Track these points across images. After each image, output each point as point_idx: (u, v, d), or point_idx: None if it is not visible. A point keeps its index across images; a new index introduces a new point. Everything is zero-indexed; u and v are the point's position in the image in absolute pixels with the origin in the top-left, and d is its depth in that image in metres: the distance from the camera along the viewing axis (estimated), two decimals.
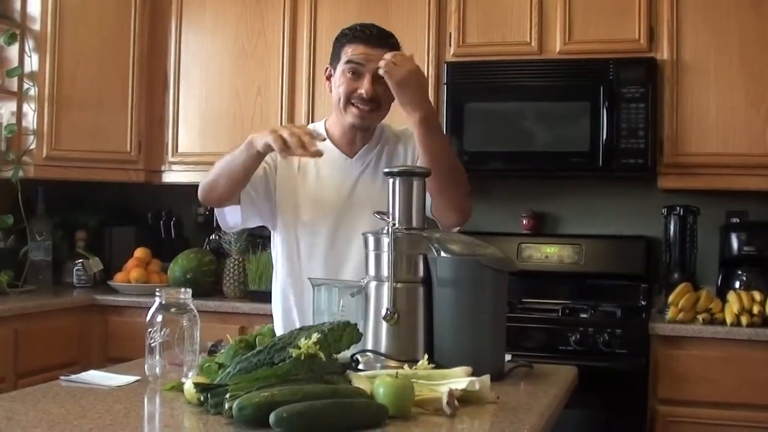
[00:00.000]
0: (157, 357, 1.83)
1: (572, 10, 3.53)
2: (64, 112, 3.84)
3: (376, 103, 2.26)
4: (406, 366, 1.81)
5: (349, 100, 2.27)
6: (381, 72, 2.15)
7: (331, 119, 2.41)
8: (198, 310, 1.89)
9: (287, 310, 2.38)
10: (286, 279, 2.38)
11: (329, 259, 2.32)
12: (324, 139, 2.17)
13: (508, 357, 2.07)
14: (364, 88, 2.24)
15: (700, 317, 3.16)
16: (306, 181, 2.37)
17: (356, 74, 2.25)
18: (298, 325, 2.30)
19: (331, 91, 2.34)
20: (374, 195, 2.28)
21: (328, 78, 2.35)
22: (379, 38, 2.27)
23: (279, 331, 2.32)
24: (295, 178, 2.37)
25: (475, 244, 2.01)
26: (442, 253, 1.94)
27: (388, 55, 2.15)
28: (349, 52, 2.26)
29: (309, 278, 2.16)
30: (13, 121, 3.80)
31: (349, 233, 2.30)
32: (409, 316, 1.95)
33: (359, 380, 1.70)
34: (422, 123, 2.17)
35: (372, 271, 2.00)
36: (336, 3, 3.81)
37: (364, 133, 2.36)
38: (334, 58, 2.32)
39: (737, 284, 3.33)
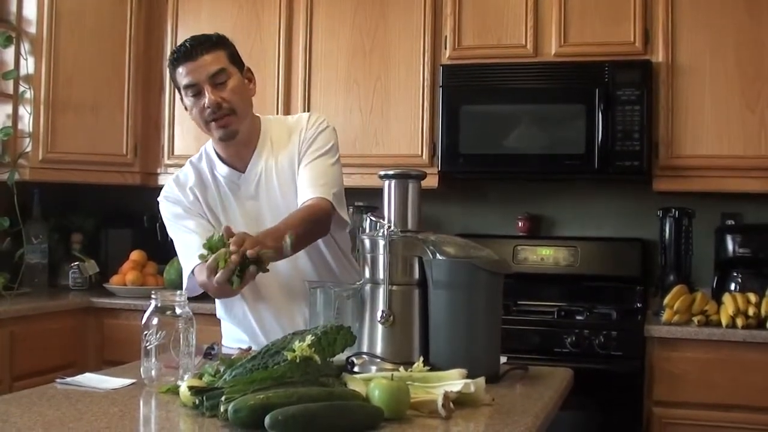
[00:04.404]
0: (153, 360, 1.83)
1: (568, 13, 3.54)
2: (59, 115, 3.83)
3: (227, 108, 2.23)
4: (401, 368, 1.81)
5: (205, 119, 2.25)
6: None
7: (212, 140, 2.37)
8: (194, 312, 1.90)
9: (248, 329, 2.38)
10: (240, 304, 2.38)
11: (265, 278, 2.22)
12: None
13: (503, 359, 2.07)
14: (207, 100, 2.21)
15: (695, 319, 3.16)
16: (216, 213, 2.35)
17: (197, 94, 2.23)
18: (260, 334, 2.34)
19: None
20: (274, 200, 2.29)
21: (186, 107, 2.31)
22: (197, 46, 2.22)
23: (231, 340, 2.38)
24: (207, 214, 2.35)
25: (471, 246, 2.01)
26: (438, 256, 1.95)
27: (240, 252, 1.92)
28: (180, 76, 2.24)
29: (306, 281, 2.16)
30: (9, 123, 3.80)
31: None
32: (404, 319, 1.96)
33: (354, 383, 1.71)
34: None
35: (367, 274, 2.01)
36: (332, 6, 3.81)
37: (245, 141, 2.31)
38: (177, 87, 2.30)
39: (732, 286, 3.34)
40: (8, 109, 3.82)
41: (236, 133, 2.27)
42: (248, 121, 2.32)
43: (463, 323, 1.93)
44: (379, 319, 1.94)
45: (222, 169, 2.35)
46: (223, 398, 1.55)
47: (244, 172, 2.33)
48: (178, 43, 2.30)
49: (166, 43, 4.03)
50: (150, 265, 3.98)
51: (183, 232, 2.33)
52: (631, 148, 3.37)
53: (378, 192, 2.11)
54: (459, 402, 1.68)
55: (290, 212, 2.18)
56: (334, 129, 2.40)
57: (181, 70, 2.23)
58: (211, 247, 2.00)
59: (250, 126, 2.33)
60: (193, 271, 2.20)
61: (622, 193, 3.78)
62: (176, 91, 2.27)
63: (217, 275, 1.94)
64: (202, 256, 2.02)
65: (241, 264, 1.92)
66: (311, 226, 2.17)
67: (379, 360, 1.92)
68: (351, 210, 3.54)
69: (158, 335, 1.83)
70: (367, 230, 2.12)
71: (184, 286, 2.25)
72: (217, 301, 2.45)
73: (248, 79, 2.33)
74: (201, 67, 2.21)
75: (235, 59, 2.30)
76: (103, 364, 3.35)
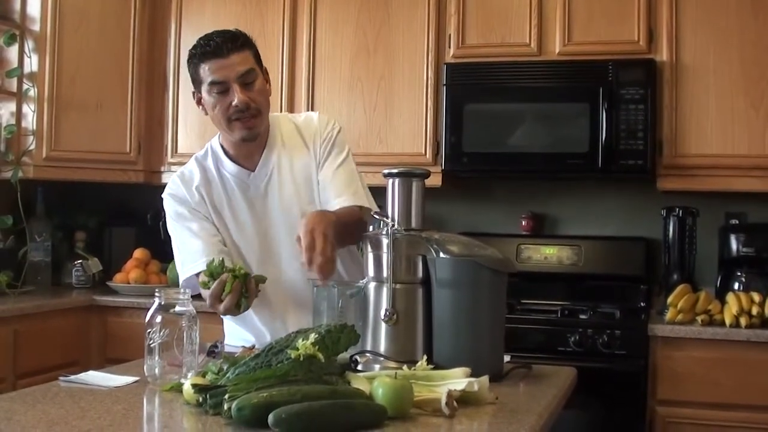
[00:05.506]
0: (157, 358, 1.83)
1: (572, 12, 3.53)
2: (63, 113, 3.84)
3: (255, 109, 2.22)
4: (405, 367, 1.81)
5: (229, 117, 2.22)
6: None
7: (222, 137, 2.35)
8: (197, 310, 1.89)
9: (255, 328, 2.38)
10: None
11: (269, 277, 2.23)
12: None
13: (507, 358, 2.07)
14: (237, 99, 2.18)
15: (699, 318, 3.16)
16: (222, 212, 2.34)
17: (223, 92, 2.20)
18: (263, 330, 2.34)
19: (206, 114, 2.29)
20: (286, 199, 2.29)
21: (199, 102, 2.28)
22: (227, 43, 2.19)
23: (233, 338, 2.38)
24: (211, 215, 2.34)
25: (474, 245, 2.01)
26: (441, 254, 1.95)
27: (315, 266, 1.97)
28: (205, 72, 2.20)
29: (309, 279, 2.16)
30: (13, 121, 3.80)
31: (276, 246, 2.30)
32: (408, 317, 1.96)
33: (358, 381, 1.71)
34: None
35: (371, 272, 2.01)
36: (335, 5, 3.81)
37: (258, 140, 2.31)
38: (196, 82, 2.25)
39: (736, 285, 3.33)
40: (12, 107, 3.82)
41: (258, 135, 2.27)
42: (267, 122, 2.32)
43: (467, 322, 1.93)
44: (382, 317, 1.94)
45: (230, 167, 2.33)
46: (226, 396, 1.55)
47: (253, 171, 2.32)
48: (199, 38, 2.23)
49: (170, 41, 4.03)
50: (153, 263, 3.98)
51: (185, 233, 2.33)
52: (635, 147, 3.37)
53: (382, 190, 2.11)
54: (462, 400, 1.67)
55: (303, 213, 2.18)
56: (342, 128, 2.42)
57: (207, 66, 2.19)
58: (212, 273, 2.05)
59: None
60: (197, 274, 2.21)
61: (625, 192, 3.78)
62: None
63: (225, 302, 2.03)
64: (203, 284, 2.08)
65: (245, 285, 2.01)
66: (356, 230, 2.21)
67: (382, 358, 1.92)
68: None
69: (162, 333, 1.83)
70: (371, 229, 2.12)
71: (180, 286, 2.23)
72: None
73: (266, 80, 2.32)
74: (231, 66, 2.18)
75: (259, 60, 2.28)
76: (107, 362, 3.34)
